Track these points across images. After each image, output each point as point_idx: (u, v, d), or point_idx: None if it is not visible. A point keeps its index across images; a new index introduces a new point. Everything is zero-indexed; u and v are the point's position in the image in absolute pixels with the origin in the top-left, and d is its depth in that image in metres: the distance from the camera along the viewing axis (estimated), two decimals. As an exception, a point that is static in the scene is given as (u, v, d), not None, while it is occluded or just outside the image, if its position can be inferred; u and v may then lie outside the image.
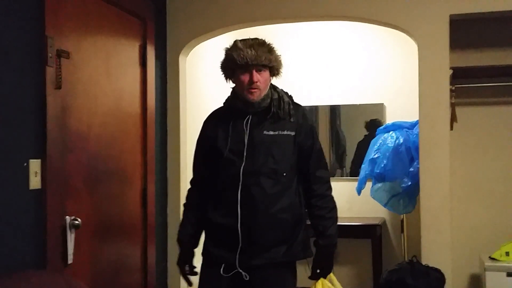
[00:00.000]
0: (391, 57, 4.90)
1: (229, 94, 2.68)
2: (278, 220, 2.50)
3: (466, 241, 4.26)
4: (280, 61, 2.56)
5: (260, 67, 2.48)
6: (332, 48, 5.05)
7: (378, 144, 4.41)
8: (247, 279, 2.49)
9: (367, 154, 4.48)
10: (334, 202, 2.64)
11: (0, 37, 2.26)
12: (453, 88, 3.95)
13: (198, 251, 2.69)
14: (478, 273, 4.26)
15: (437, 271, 3.39)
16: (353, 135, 5.05)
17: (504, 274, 3.88)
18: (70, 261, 2.59)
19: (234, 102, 2.59)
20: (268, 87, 2.56)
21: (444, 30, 3.46)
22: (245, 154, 2.50)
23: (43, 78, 2.47)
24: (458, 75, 4.01)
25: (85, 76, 2.81)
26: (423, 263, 3.45)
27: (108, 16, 3.06)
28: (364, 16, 3.61)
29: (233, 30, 3.92)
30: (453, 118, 4.00)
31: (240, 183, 2.49)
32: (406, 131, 4.37)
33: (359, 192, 4.49)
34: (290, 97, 2.64)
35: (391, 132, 4.41)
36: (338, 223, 2.63)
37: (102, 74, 2.98)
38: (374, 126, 4.74)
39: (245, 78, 2.48)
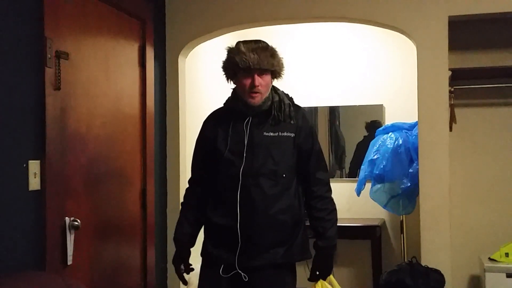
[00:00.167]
0: (390, 58, 4.91)
1: (228, 95, 2.68)
2: (277, 221, 2.50)
3: (466, 242, 4.26)
4: (282, 64, 2.56)
5: (262, 71, 2.48)
6: (331, 49, 5.06)
7: (377, 145, 4.42)
8: (247, 280, 2.49)
9: (366, 155, 4.49)
10: (333, 204, 2.64)
11: (-1, 38, 2.26)
12: (452, 89, 3.95)
13: (195, 250, 2.69)
14: (477, 274, 4.26)
15: (437, 272, 3.39)
16: (352, 136, 5.05)
17: (504, 275, 3.87)
18: (69, 262, 2.59)
19: (234, 103, 2.59)
20: (269, 90, 2.56)
21: (443, 31, 3.47)
22: (244, 155, 2.50)
23: (42, 79, 2.47)
24: (457, 76, 4.01)
25: (84, 77, 2.81)
26: (423, 264, 3.45)
27: (107, 17, 3.06)
28: (364, 17, 3.61)
29: (233, 31, 3.93)
30: (452, 119, 4.00)
31: (240, 184, 2.49)
32: (406, 132, 4.37)
33: (358, 193, 4.49)
34: (291, 99, 2.64)
35: (390, 133, 4.41)
36: (338, 224, 2.63)
37: (101, 75, 2.98)
38: (374, 127, 4.74)
39: (247, 81, 2.48)
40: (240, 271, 2.49)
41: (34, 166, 2.41)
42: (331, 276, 2.65)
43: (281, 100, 2.57)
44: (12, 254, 2.29)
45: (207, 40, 3.96)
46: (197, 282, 2.66)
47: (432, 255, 3.45)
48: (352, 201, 4.76)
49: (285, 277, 2.57)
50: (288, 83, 2.62)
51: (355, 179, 4.65)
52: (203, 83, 4.38)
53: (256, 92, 2.48)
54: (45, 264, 2.45)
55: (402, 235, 4.68)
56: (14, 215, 2.31)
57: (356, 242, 4.77)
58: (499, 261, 3.95)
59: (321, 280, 2.59)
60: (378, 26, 3.76)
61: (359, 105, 4.98)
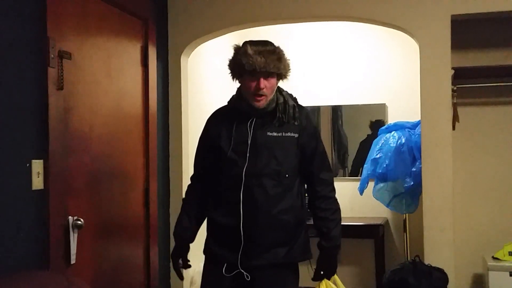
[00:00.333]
0: (393, 57, 4.90)
1: (231, 94, 2.68)
2: (279, 221, 2.50)
3: (469, 240, 4.26)
4: (288, 67, 2.55)
5: (268, 74, 2.48)
6: (333, 48, 5.05)
7: (380, 144, 4.41)
8: (249, 279, 2.49)
9: (369, 154, 4.48)
10: (337, 204, 2.64)
11: (2, 39, 2.27)
12: (455, 88, 3.95)
13: (195, 247, 2.70)
14: (481, 273, 4.26)
15: (440, 270, 3.38)
16: (355, 135, 5.05)
17: (507, 273, 3.87)
18: (73, 261, 2.60)
19: (239, 103, 2.59)
20: (274, 92, 2.56)
21: (446, 30, 3.46)
22: (248, 154, 2.51)
23: (45, 79, 2.48)
24: (460, 75, 4.00)
25: (86, 77, 2.82)
26: (426, 263, 3.45)
27: (109, 17, 3.07)
28: (366, 16, 3.61)
29: (235, 30, 3.93)
30: (455, 118, 3.99)
31: (242, 184, 2.49)
32: (408, 131, 4.37)
33: (361, 192, 4.49)
34: (295, 99, 2.64)
35: (393, 132, 4.41)
36: (341, 222, 2.63)
37: (104, 75, 2.98)
38: (378, 126, 4.73)
39: (252, 84, 2.48)
40: (242, 271, 2.49)
41: (37, 165, 2.42)
42: (335, 275, 2.65)
43: (285, 102, 2.56)
44: (16, 253, 2.30)
45: (209, 40, 3.96)
46: (200, 280, 2.67)
47: (435, 254, 3.45)
48: (355, 200, 4.76)
49: (287, 276, 2.57)
50: (291, 82, 2.62)
51: (358, 178, 4.65)
52: (205, 83, 4.38)
53: (261, 95, 2.48)
54: (49, 263, 2.46)
55: (405, 234, 4.68)
56: (17, 214, 2.31)
57: (359, 241, 4.77)
58: (503, 260, 3.94)
59: (325, 280, 2.59)
60: (380, 25, 3.76)
61: (361, 104, 4.97)
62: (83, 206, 2.75)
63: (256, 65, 2.43)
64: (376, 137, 4.55)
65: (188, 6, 3.80)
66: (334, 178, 2.75)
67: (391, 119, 4.80)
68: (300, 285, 2.67)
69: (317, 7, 3.65)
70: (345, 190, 4.67)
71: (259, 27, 3.96)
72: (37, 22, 2.46)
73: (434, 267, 3.40)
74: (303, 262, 2.63)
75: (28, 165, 2.38)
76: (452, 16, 3.46)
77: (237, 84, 2.63)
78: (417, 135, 4.20)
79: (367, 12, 3.58)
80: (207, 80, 4.41)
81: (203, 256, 2.67)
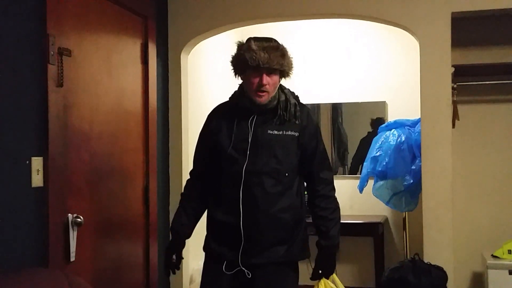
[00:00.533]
0: (393, 55, 4.90)
1: (230, 92, 2.68)
2: (278, 220, 2.50)
3: (468, 239, 4.26)
4: (291, 64, 2.55)
5: (271, 70, 2.47)
6: (334, 46, 5.05)
7: (380, 142, 4.41)
8: (250, 276, 2.49)
9: (369, 152, 4.48)
10: (337, 203, 2.64)
11: (1, 36, 2.26)
12: (455, 86, 3.95)
13: (194, 245, 2.69)
14: (480, 271, 4.26)
15: (439, 269, 3.38)
16: (355, 133, 5.05)
17: (507, 272, 3.87)
18: (72, 258, 2.60)
19: (240, 99, 2.58)
20: (277, 89, 2.56)
21: (446, 28, 3.46)
22: (248, 152, 2.50)
23: (45, 76, 2.47)
24: (460, 73, 4.00)
25: (86, 74, 2.81)
26: (425, 261, 3.45)
27: (109, 14, 3.06)
28: (366, 14, 3.60)
29: (235, 28, 3.92)
30: (455, 116, 3.99)
31: (242, 182, 2.49)
32: (408, 129, 4.36)
33: (361, 190, 4.49)
34: (297, 97, 2.64)
35: (393, 130, 4.41)
36: (340, 221, 2.63)
37: (104, 72, 2.98)
38: (379, 124, 4.73)
39: (255, 80, 2.47)
40: (243, 268, 2.49)
41: (37, 163, 2.42)
42: (334, 274, 2.65)
43: (287, 100, 2.56)
44: (15, 250, 2.30)
45: (209, 37, 3.96)
46: (200, 278, 2.67)
47: (435, 252, 3.45)
48: (354, 198, 4.76)
49: (287, 274, 2.58)
50: (291, 80, 2.61)
51: (358, 176, 4.65)
52: (205, 80, 4.38)
53: (263, 91, 2.48)
54: (48, 260, 2.46)
55: (404, 232, 4.68)
56: (17, 211, 2.31)
57: (358, 239, 4.78)
58: (502, 258, 3.94)
59: (323, 279, 2.59)
60: (381, 23, 3.75)
61: (361, 102, 4.98)
62: (83, 203, 2.75)
63: (260, 60, 2.43)
64: (376, 135, 4.55)
65: (188, 4, 3.79)
66: (334, 176, 2.75)
67: (391, 117, 4.80)
68: (300, 283, 2.67)
69: (317, 4, 3.64)
70: (344, 188, 4.68)
71: (259, 25, 3.95)
72: (37, 19, 2.45)
73: (434, 265, 3.40)
74: (302, 260, 2.63)
75: (27, 162, 2.37)
76: (452, 13, 3.45)
77: (238, 81, 2.63)
78: (417, 133, 4.20)
79: (368, 9, 3.58)
80: (207, 77, 4.41)
81: (203, 254, 2.67)
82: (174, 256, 2.64)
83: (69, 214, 2.60)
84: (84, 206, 2.75)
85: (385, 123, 4.59)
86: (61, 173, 2.56)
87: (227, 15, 3.76)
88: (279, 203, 2.51)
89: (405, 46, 4.69)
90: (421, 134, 3.54)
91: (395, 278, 3.46)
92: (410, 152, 4.24)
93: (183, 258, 2.68)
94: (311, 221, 2.65)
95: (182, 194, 2.73)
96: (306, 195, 2.69)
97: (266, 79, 2.46)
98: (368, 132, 4.94)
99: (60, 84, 2.55)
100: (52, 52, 2.50)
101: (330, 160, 4.03)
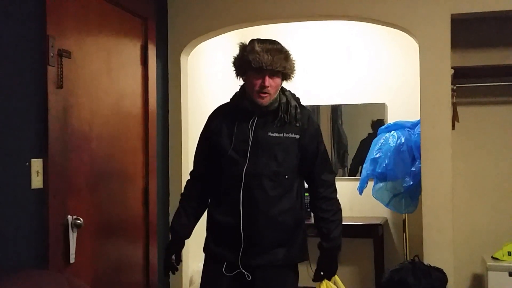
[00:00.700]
0: (393, 56, 4.90)
1: (231, 92, 2.68)
2: (278, 222, 2.50)
3: (468, 240, 4.26)
4: (294, 68, 2.55)
5: (273, 73, 2.48)
6: (333, 47, 5.05)
7: (379, 144, 4.41)
8: (249, 278, 2.49)
9: (368, 153, 4.48)
10: (339, 205, 2.64)
11: (1, 37, 2.26)
12: (455, 87, 3.95)
13: (194, 247, 2.69)
14: (480, 273, 4.26)
15: (439, 270, 3.38)
16: (354, 134, 5.05)
17: (506, 273, 3.87)
18: (72, 260, 2.59)
19: (241, 101, 2.58)
20: (278, 92, 2.56)
21: (446, 30, 3.46)
22: (248, 154, 2.50)
23: (44, 78, 2.47)
24: (460, 74, 4.00)
25: (86, 76, 2.81)
26: (425, 262, 3.45)
27: (109, 16, 3.07)
28: (366, 15, 3.61)
29: (235, 29, 3.92)
30: (455, 118, 4.00)
31: (242, 184, 2.49)
32: (408, 131, 4.36)
33: (360, 191, 4.49)
34: (298, 99, 2.64)
35: (392, 132, 4.41)
36: (342, 224, 2.63)
37: (104, 74, 2.98)
38: (379, 125, 4.73)
39: (257, 81, 2.47)
40: (243, 270, 2.49)
41: (36, 164, 2.42)
42: (335, 276, 2.65)
43: (288, 102, 2.56)
44: (15, 252, 2.29)
45: (209, 39, 3.96)
46: (200, 280, 2.66)
47: (435, 254, 3.45)
48: (354, 200, 4.76)
49: (287, 276, 2.58)
50: (291, 81, 2.62)
51: (358, 178, 4.65)
52: (205, 82, 4.38)
53: (265, 93, 2.48)
54: (48, 262, 2.46)
55: (404, 233, 4.68)
56: (16, 213, 2.31)
57: (358, 240, 4.77)
58: (502, 260, 3.94)
59: (325, 280, 2.59)
60: (380, 25, 3.76)
61: (361, 104, 4.97)
62: (83, 205, 2.75)
63: (263, 62, 2.43)
64: (376, 137, 4.54)
65: (188, 5, 3.79)
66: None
67: (390, 119, 4.80)
68: (300, 285, 2.67)
69: (317, 6, 3.64)
70: (344, 189, 4.66)
71: (259, 26, 3.95)
72: (37, 20, 2.45)
73: (434, 267, 3.40)
74: (303, 262, 2.63)
75: (27, 164, 2.37)
76: (452, 15, 3.45)
77: (238, 83, 2.63)
78: (416, 135, 4.20)
79: (367, 11, 3.58)
80: (206, 78, 4.41)
81: (203, 256, 2.67)
82: (173, 257, 2.64)
83: (69, 216, 2.60)
84: (84, 208, 2.75)
85: (385, 125, 4.59)
86: (61, 175, 2.56)
87: (227, 17, 3.76)
88: (279, 205, 2.50)
89: (404, 48, 4.69)
90: (420, 136, 3.54)
91: (395, 280, 3.46)
92: (410, 154, 4.24)
93: (181, 261, 2.67)
94: (311, 222, 2.65)
95: (182, 194, 2.73)
96: (307, 197, 2.69)
97: (268, 81, 2.46)
98: (368, 134, 4.94)
99: (60, 86, 2.55)
100: (52, 54, 2.50)
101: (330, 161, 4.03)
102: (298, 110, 2.57)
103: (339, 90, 5.02)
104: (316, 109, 5.00)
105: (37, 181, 2.41)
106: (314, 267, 2.61)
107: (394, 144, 4.31)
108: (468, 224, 4.27)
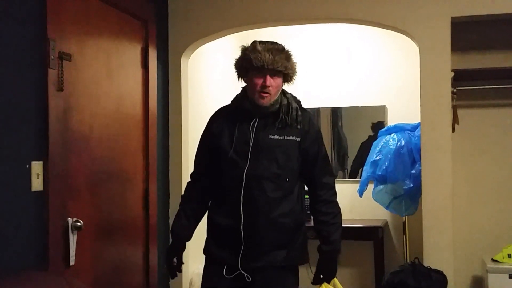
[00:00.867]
0: (393, 59, 4.90)
1: (231, 95, 2.68)
2: (278, 224, 2.51)
3: (468, 243, 4.26)
4: (295, 69, 2.56)
5: (274, 72, 2.48)
6: (333, 50, 5.06)
7: (379, 146, 4.41)
8: (249, 280, 2.49)
9: (369, 156, 4.48)
10: (338, 208, 2.64)
11: (2, 40, 2.27)
12: (455, 90, 3.95)
13: (194, 249, 2.69)
14: (480, 275, 4.25)
15: (439, 273, 3.38)
16: (354, 137, 5.05)
17: (507, 276, 3.86)
18: (72, 262, 2.60)
19: (242, 102, 2.58)
20: (279, 93, 2.56)
21: (446, 33, 3.46)
22: (249, 156, 2.50)
23: (45, 80, 2.48)
24: (460, 77, 4.00)
25: (87, 78, 2.82)
26: (425, 265, 3.45)
27: (109, 18, 3.07)
28: (366, 18, 3.61)
29: (235, 32, 3.93)
30: (455, 120, 4.00)
31: (243, 186, 2.49)
32: (408, 133, 4.36)
33: (361, 194, 4.49)
34: (299, 102, 2.64)
35: (392, 134, 4.41)
36: (341, 227, 2.63)
37: (104, 76, 2.98)
38: (379, 128, 4.73)
39: (259, 81, 2.48)
40: (243, 272, 2.49)
41: (37, 167, 2.42)
42: (335, 278, 2.65)
43: (289, 104, 2.56)
44: (15, 254, 2.30)
45: (209, 41, 3.96)
46: (200, 282, 2.66)
47: (435, 256, 3.45)
48: (354, 202, 4.75)
49: (287, 278, 2.58)
50: (292, 83, 2.62)
51: (358, 180, 4.65)
52: (205, 84, 4.39)
53: (266, 93, 2.48)
54: (48, 264, 2.46)
55: (404, 236, 4.67)
56: (17, 215, 2.31)
57: (358, 243, 4.77)
58: (502, 262, 3.94)
59: (325, 283, 2.59)
60: (380, 27, 3.76)
61: (361, 106, 4.98)
62: (83, 207, 2.75)
63: (265, 61, 2.44)
64: (376, 139, 4.55)
65: (188, 8, 3.80)
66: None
67: (391, 121, 4.80)
68: (300, 287, 2.67)
69: (317, 9, 3.65)
70: (344, 192, 4.66)
71: (259, 29, 3.96)
72: (38, 23, 2.46)
73: (434, 269, 3.40)
74: (303, 264, 2.63)
75: (27, 166, 2.37)
76: (452, 18, 3.46)
77: (239, 85, 2.63)
78: (416, 137, 4.20)
79: (368, 14, 3.58)
80: (207, 81, 4.42)
81: (203, 258, 2.67)
82: (174, 259, 2.64)
83: (69, 218, 2.61)
84: (84, 210, 2.75)
85: (385, 127, 4.59)
86: (61, 177, 2.56)
87: (228, 19, 3.77)
88: (280, 207, 2.51)
89: (405, 50, 4.69)
90: (421, 138, 3.55)
91: (395, 282, 3.47)
92: (410, 156, 4.24)
93: (183, 263, 2.68)
94: (311, 224, 2.65)
95: (182, 197, 2.73)
96: (307, 200, 2.70)
97: (269, 80, 2.47)
98: (369, 136, 4.94)
99: (60, 88, 2.55)
100: (52, 57, 2.50)
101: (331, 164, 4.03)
102: (299, 112, 2.58)
103: (339, 93, 5.02)
104: (316, 111, 5.00)
105: (37, 184, 2.42)
106: (314, 270, 2.61)
107: (394, 147, 4.31)
108: (468, 226, 4.27)
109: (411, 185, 4.18)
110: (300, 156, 2.56)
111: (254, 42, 2.52)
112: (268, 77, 2.47)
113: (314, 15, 3.69)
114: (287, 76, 2.53)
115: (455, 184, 3.65)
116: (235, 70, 2.59)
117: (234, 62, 2.58)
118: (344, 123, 5.07)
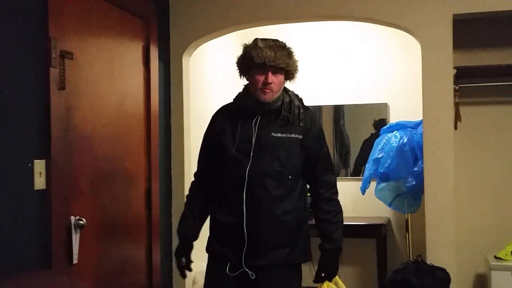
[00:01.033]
0: (395, 56, 4.90)
1: (233, 93, 2.68)
2: (281, 222, 2.51)
3: (471, 240, 4.25)
4: (296, 66, 2.56)
5: (276, 69, 2.48)
6: (335, 48, 5.05)
7: (382, 144, 4.41)
8: (253, 278, 2.49)
9: (371, 153, 4.48)
10: (340, 206, 2.65)
11: (4, 39, 2.27)
12: (457, 87, 3.94)
13: (197, 248, 2.70)
14: (483, 273, 4.25)
15: (442, 270, 3.38)
16: (357, 135, 5.05)
17: (510, 273, 3.86)
18: (75, 261, 2.60)
19: (244, 100, 2.58)
20: (281, 90, 2.56)
21: (448, 30, 3.46)
22: (251, 154, 2.51)
23: (47, 79, 2.48)
24: (462, 74, 4.00)
25: (88, 77, 2.82)
26: (428, 262, 3.45)
27: (111, 17, 3.07)
28: (368, 16, 3.61)
29: (237, 30, 3.92)
30: (457, 118, 3.99)
31: (245, 183, 2.49)
32: (410, 131, 4.36)
33: (363, 191, 4.49)
34: (301, 100, 2.64)
35: (395, 132, 4.41)
36: (343, 225, 2.63)
37: (106, 75, 2.98)
38: (381, 126, 4.73)
39: (260, 78, 2.48)
40: (247, 270, 2.49)
41: (39, 165, 2.42)
42: (336, 277, 2.65)
43: (291, 101, 2.56)
44: (18, 253, 2.30)
45: (211, 40, 3.96)
46: (203, 280, 2.67)
47: (438, 254, 3.44)
48: (357, 200, 4.76)
49: (290, 276, 2.58)
50: (294, 81, 2.62)
51: (360, 178, 4.65)
52: (207, 83, 4.39)
53: (268, 89, 2.48)
54: (51, 263, 2.46)
55: (407, 233, 4.67)
56: (19, 214, 2.32)
57: (361, 240, 4.77)
58: (505, 260, 3.94)
59: (326, 282, 2.59)
60: (382, 25, 3.75)
61: (363, 104, 4.98)
62: (85, 206, 2.75)
63: (266, 58, 2.44)
64: (378, 137, 4.54)
65: (190, 6, 3.79)
66: (336, 177, 2.75)
67: (393, 119, 4.80)
68: (303, 285, 2.67)
69: (319, 6, 3.64)
70: (347, 189, 4.67)
71: (261, 27, 3.96)
72: (39, 22, 2.46)
73: (437, 267, 3.39)
74: (305, 262, 2.63)
75: (30, 165, 2.38)
76: (454, 15, 3.45)
77: (240, 83, 2.63)
78: (419, 135, 4.20)
79: (369, 11, 3.58)
80: (209, 79, 4.42)
81: (205, 256, 2.67)
82: (183, 260, 2.64)
83: (72, 217, 2.61)
84: (87, 209, 2.75)
85: (387, 125, 4.59)
86: (63, 176, 2.57)
87: (229, 18, 3.77)
88: (282, 205, 2.51)
89: (406, 48, 4.69)
90: (423, 136, 3.54)
91: (398, 280, 3.46)
92: (412, 154, 4.23)
93: (192, 262, 2.68)
94: (313, 222, 2.65)
95: (187, 196, 2.74)
96: (309, 198, 2.69)
97: (271, 77, 2.47)
98: (371, 134, 4.94)
99: (62, 87, 2.55)
100: (54, 55, 2.50)
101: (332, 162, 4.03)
102: (302, 110, 2.58)
103: (341, 91, 5.02)
104: (318, 109, 5.00)
105: (39, 182, 2.42)
106: (316, 268, 2.61)
107: (396, 144, 4.31)
108: (471, 224, 4.27)
109: (414, 182, 4.17)
110: (302, 154, 2.56)
111: (256, 40, 2.53)
112: (269, 74, 2.47)
113: (316, 13, 3.68)
114: (289, 73, 2.54)
115: (457, 181, 3.64)
116: (237, 68, 2.59)
117: (236, 60, 2.59)
118: (346, 121, 5.07)
